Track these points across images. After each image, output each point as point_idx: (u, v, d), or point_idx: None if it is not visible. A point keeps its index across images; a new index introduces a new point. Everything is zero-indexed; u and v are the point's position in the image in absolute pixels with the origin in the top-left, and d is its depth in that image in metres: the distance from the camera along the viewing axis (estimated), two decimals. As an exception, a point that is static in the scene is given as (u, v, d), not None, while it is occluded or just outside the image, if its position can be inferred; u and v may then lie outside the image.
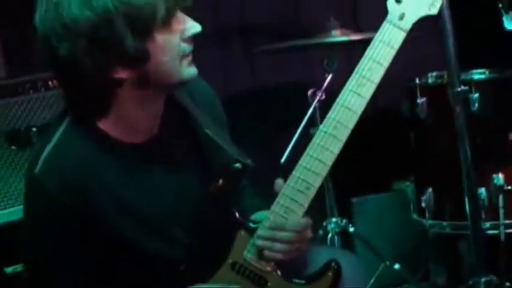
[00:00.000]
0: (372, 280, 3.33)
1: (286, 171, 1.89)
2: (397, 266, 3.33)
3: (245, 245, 1.86)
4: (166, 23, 1.72)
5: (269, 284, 1.85)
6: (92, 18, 1.66)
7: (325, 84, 3.17)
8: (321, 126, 1.83)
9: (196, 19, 1.80)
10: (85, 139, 1.78)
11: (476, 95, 2.93)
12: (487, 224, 2.95)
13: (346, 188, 3.59)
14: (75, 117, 1.80)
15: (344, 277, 1.92)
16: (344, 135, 1.81)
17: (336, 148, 1.82)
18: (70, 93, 1.82)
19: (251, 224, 1.87)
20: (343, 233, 3.30)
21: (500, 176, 2.94)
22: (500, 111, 3.02)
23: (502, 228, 2.91)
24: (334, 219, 3.29)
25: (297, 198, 1.83)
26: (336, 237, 3.25)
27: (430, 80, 3.13)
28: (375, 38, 1.81)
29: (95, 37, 1.67)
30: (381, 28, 1.82)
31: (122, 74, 1.72)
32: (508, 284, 2.81)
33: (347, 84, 1.82)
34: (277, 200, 1.84)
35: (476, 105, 2.94)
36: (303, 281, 1.87)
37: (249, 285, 1.85)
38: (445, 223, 3.11)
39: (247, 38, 3.81)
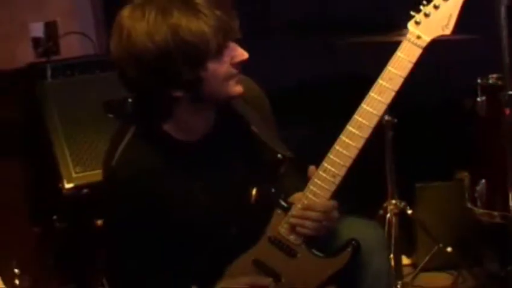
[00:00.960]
0: (426, 259, 3.60)
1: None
2: (449, 249, 3.57)
3: (280, 222, 2.18)
4: (218, 54, 2.05)
5: (298, 255, 2.17)
6: (154, 51, 2.00)
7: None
8: (347, 125, 2.12)
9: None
10: (151, 139, 2.14)
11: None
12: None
13: (410, 174, 3.80)
14: (142, 121, 2.16)
15: (368, 244, 2.21)
16: (367, 132, 2.10)
17: (359, 143, 2.11)
18: (138, 102, 2.21)
19: (286, 204, 2.19)
20: (401, 215, 3.54)
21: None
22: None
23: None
24: (393, 201, 3.54)
25: (325, 184, 2.14)
26: (393, 218, 3.50)
27: (490, 81, 3.35)
28: (396, 52, 2.10)
29: (156, 66, 2.01)
30: (401, 45, 2.10)
31: (179, 93, 2.07)
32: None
33: (370, 91, 2.11)
34: (309, 184, 2.16)
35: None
36: (322, 254, 2.17)
37: (282, 255, 2.18)
38: (495, 213, 3.33)
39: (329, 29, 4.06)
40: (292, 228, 2.17)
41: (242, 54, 2.11)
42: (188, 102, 2.10)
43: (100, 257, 2.55)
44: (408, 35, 2.10)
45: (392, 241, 3.50)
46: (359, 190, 3.67)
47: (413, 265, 3.93)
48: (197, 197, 2.17)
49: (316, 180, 2.15)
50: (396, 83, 2.09)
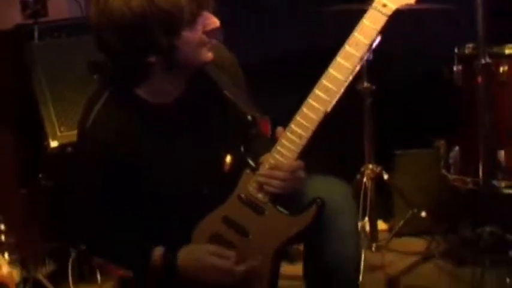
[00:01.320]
0: (401, 223, 3.72)
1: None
2: (423, 214, 3.68)
3: (249, 181, 2.27)
4: (191, 22, 2.14)
5: (266, 212, 2.26)
6: (130, 17, 2.08)
7: (374, 45, 3.51)
8: (314, 89, 2.21)
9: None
10: (125, 102, 2.24)
11: (506, 68, 3.24)
12: (502, 183, 3.30)
13: (390, 142, 3.94)
14: (117, 84, 2.26)
15: (335, 203, 2.29)
16: (333, 97, 2.19)
17: (326, 107, 2.19)
18: (113, 66, 2.29)
19: (254, 164, 2.28)
20: (378, 180, 3.66)
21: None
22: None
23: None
24: (370, 166, 3.66)
25: (292, 145, 2.23)
26: (370, 182, 3.62)
27: (466, 51, 3.45)
28: (362, 20, 2.18)
29: (132, 32, 2.10)
30: (367, 12, 2.17)
31: (153, 59, 2.16)
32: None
33: (337, 56, 2.19)
34: (276, 145, 2.25)
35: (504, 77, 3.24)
36: (288, 212, 2.26)
37: (250, 212, 2.27)
38: (467, 179, 3.45)
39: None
40: (260, 186, 2.25)
41: (214, 22, 2.20)
42: (162, 68, 2.19)
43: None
44: (374, 3, 2.17)
45: (368, 205, 3.59)
46: (338, 155, 3.78)
47: (390, 230, 4.03)
48: (169, 158, 2.26)
49: (283, 141, 2.23)
50: (361, 49, 2.17)
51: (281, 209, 2.26)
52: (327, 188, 2.34)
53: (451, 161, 3.50)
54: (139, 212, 2.27)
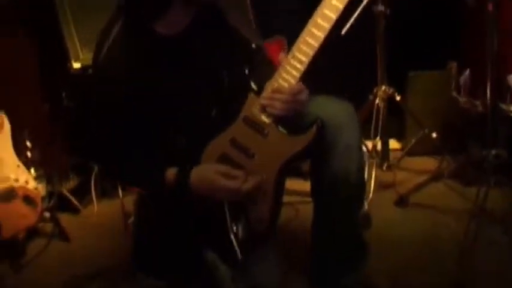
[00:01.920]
0: (412, 142, 3.86)
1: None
2: (434, 135, 3.78)
3: (254, 104, 2.39)
4: None
5: (269, 134, 2.38)
6: None
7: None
8: (313, 15, 2.29)
9: None
10: (135, 34, 2.34)
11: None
12: (511, 107, 3.37)
13: (404, 64, 4.02)
14: (132, 15, 2.34)
15: (338, 120, 2.42)
16: (329, 22, 2.26)
17: (324, 32, 2.27)
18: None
19: (257, 88, 2.40)
20: (391, 101, 3.74)
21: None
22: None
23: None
24: (383, 87, 3.74)
25: (293, 69, 2.33)
26: (382, 103, 3.71)
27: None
28: None
29: None
30: None
31: None
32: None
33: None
34: (279, 69, 2.36)
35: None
36: (290, 132, 2.37)
37: (255, 134, 2.39)
38: (477, 102, 3.54)
39: None
40: (263, 109, 2.37)
41: None
42: (180, 3, 2.29)
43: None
44: None
45: (380, 125, 3.69)
46: (351, 76, 3.86)
47: (403, 149, 4.16)
48: (179, 85, 2.38)
49: (285, 65, 2.33)
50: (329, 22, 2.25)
51: (283, 129, 2.38)
52: (331, 106, 2.48)
53: (461, 83, 3.57)
54: (152, 135, 2.40)
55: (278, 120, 2.37)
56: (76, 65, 3.50)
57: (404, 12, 3.83)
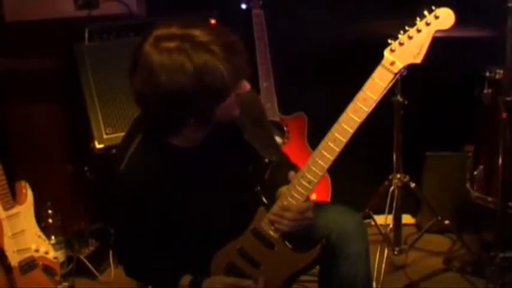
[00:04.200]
0: (425, 228, 3.93)
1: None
2: (447, 222, 3.84)
3: (263, 217, 2.47)
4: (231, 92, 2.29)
5: (276, 247, 2.46)
6: (177, 92, 2.18)
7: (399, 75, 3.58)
8: (325, 138, 2.37)
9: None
10: (155, 146, 2.41)
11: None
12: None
13: (422, 144, 4.11)
14: (150, 130, 2.41)
15: (349, 233, 2.50)
16: (340, 146, 2.34)
17: (333, 155, 2.35)
18: (147, 116, 2.43)
19: (267, 203, 2.48)
20: (405, 187, 3.79)
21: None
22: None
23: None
24: (398, 175, 3.78)
25: (302, 188, 2.41)
26: (396, 190, 3.75)
27: (497, 76, 3.48)
28: (371, 76, 2.31)
29: (178, 101, 2.22)
30: (376, 70, 2.31)
31: (192, 120, 2.31)
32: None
33: (346, 109, 2.34)
34: (288, 187, 2.44)
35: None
36: (296, 249, 2.45)
37: (262, 246, 2.47)
38: (489, 198, 3.57)
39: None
40: (272, 224, 2.46)
41: (246, 87, 2.34)
42: (197, 124, 2.36)
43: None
44: (383, 61, 2.30)
45: (393, 211, 3.78)
46: (369, 161, 3.93)
47: (417, 225, 4.27)
48: (193, 199, 2.46)
49: (294, 184, 2.41)
50: (369, 104, 2.32)
51: (289, 245, 2.46)
52: (340, 216, 2.57)
53: (475, 177, 3.60)
54: (168, 243, 2.51)
55: (285, 235, 2.44)
56: (99, 146, 3.60)
57: (422, 101, 3.91)
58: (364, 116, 2.32)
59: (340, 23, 4.18)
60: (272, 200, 2.48)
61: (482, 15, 3.86)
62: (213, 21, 3.62)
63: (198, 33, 2.18)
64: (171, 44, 2.17)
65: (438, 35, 2.27)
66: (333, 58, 4.15)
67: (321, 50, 4.19)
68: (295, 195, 2.41)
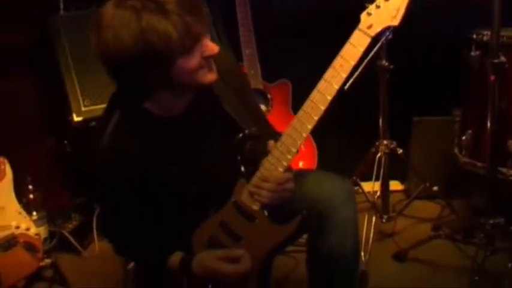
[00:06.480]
0: (414, 195, 3.88)
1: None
2: (435, 188, 3.82)
3: (243, 190, 2.41)
4: (187, 51, 2.21)
5: (256, 220, 2.40)
6: (124, 53, 2.17)
7: (383, 39, 3.51)
8: (302, 106, 2.30)
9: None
10: (135, 118, 2.35)
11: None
12: (511, 171, 3.33)
13: (408, 109, 4.04)
14: (126, 100, 2.36)
15: (337, 200, 2.45)
16: (319, 113, 2.28)
17: (312, 123, 2.29)
18: (119, 85, 2.38)
19: (247, 173, 2.42)
20: (392, 154, 3.75)
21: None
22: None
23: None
24: (385, 141, 3.74)
25: (281, 158, 2.34)
26: (384, 157, 3.71)
27: (484, 38, 3.40)
28: (348, 41, 2.24)
29: (126, 64, 2.20)
30: (353, 34, 2.24)
31: (152, 82, 2.26)
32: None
33: (324, 75, 2.27)
34: (267, 157, 2.37)
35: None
36: (274, 221, 2.39)
37: (243, 219, 2.41)
38: (478, 164, 3.50)
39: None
40: (251, 196, 2.39)
41: (212, 49, 2.28)
42: (164, 87, 2.29)
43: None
44: (360, 25, 2.24)
45: (380, 178, 3.72)
46: (353, 129, 3.87)
47: (406, 191, 4.23)
48: (175, 168, 2.40)
49: (273, 154, 2.35)
50: (347, 70, 2.25)
51: (269, 217, 2.39)
52: (328, 183, 2.52)
53: (463, 142, 3.54)
54: (154, 218, 2.44)
55: (266, 207, 2.38)
56: (77, 118, 3.53)
57: (408, 65, 3.82)
58: (341, 81, 2.26)
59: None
60: (253, 171, 2.40)
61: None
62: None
63: None
64: (129, 3, 2.14)
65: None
66: (318, 22, 4.06)
67: (304, 14, 4.14)
68: (275, 165, 2.34)
